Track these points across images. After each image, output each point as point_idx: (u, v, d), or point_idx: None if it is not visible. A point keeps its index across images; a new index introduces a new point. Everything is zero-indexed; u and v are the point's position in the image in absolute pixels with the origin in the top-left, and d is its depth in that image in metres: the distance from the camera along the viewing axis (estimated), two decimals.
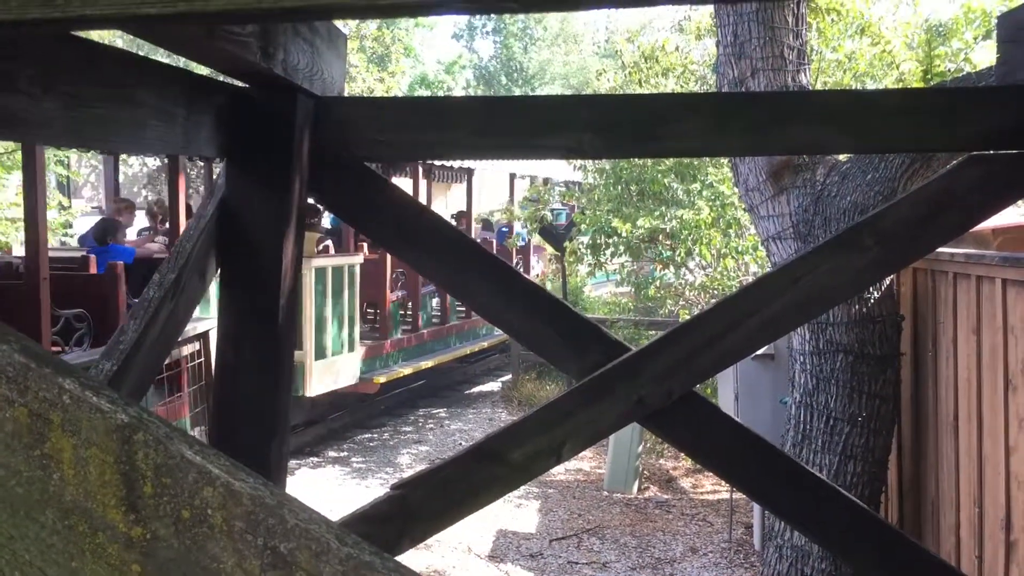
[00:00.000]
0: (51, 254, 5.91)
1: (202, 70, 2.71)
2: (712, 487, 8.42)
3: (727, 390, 6.62)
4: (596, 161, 11.35)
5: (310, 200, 2.84)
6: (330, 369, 9.55)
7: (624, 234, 10.28)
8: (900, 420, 5.28)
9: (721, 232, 9.29)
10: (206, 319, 6.82)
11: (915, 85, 8.25)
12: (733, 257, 9.30)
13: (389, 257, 10.91)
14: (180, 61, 2.88)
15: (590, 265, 11.39)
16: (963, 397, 4.47)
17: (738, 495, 7.25)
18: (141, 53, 2.32)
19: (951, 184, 2.65)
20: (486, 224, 17.25)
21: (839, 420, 4.91)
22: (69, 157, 16.42)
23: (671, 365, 2.70)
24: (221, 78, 2.48)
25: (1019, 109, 2.52)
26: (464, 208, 14.17)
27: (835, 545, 3.05)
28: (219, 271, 2.60)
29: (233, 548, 0.76)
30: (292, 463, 8.94)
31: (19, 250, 8.50)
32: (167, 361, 6.04)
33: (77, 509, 0.77)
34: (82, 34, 1.87)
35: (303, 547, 0.76)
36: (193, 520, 0.77)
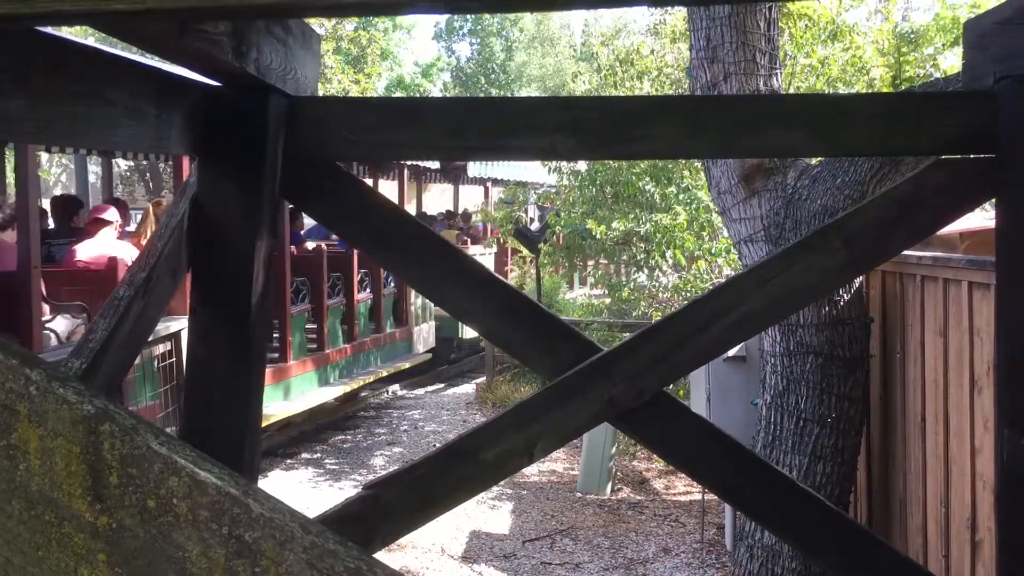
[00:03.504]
0: None
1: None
2: (684, 488, 8.46)
3: (699, 391, 6.66)
4: (571, 163, 11.40)
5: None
6: None
7: (599, 236, 10.31)
8: (869, 421, 5.34)
9: (695, 235, 9.35)
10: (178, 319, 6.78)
11: (885, 90, 8.35)
12: (706, 260, 9.36)
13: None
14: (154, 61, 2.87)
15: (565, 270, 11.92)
16: (930, 398, 4.53)
17: (710, 496, 7.29)
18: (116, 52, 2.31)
19: (918, 187, 2.68)
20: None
21: (809, 421, 4.96)
22: (40, 156, 16.24)
23: (642, 365, 2.72)
24: (194, 77, 2.47)
25: (985, 114, 2.56)
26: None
27: (804, 545, 3.08)
28: (190, 270, 2.59)
29: (198, 537, 0.77)
30: (264, 464, 8.90)
31: None
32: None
33: (43, 499, 0.77)
34: (52, 31, 1.86)
35: (268, 536, 0.76)
36: (159, 509, 0.78)
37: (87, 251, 6.90)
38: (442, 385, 14.04)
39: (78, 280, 6.74)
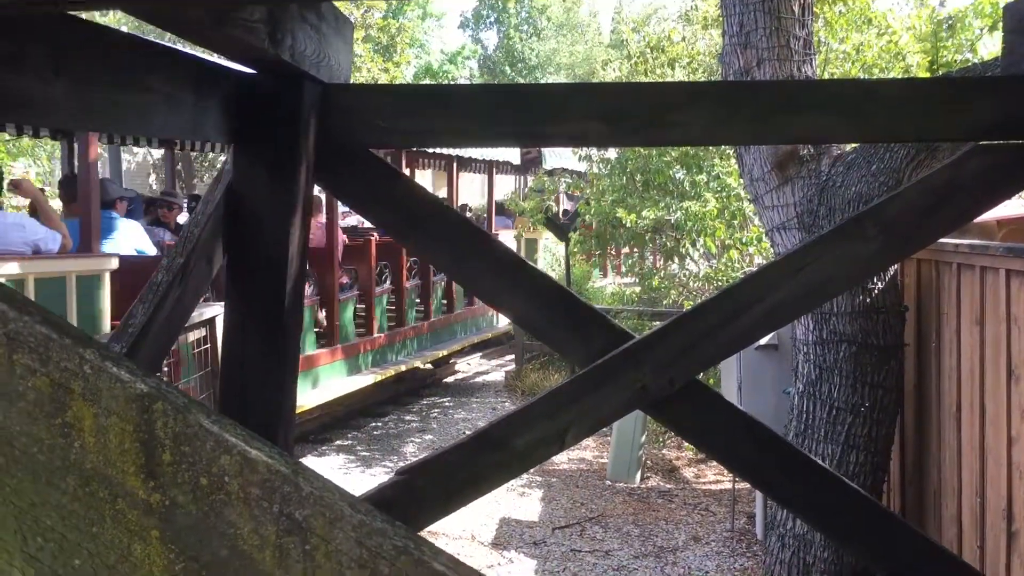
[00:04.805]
0: None
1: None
2: (715, 477, 8.44)
3: (730, 380, 6.63)
4: (602, 151, 11.36)
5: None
6: None
7: (629, 225, 10.27)
8: (903, 410, 5.29)
9: (725, 223, 9.29)
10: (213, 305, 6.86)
11: (921, 75, 8.24)
12: (737, 248, 9.30)
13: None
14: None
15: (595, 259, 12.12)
16: (966, 388, 4.48)
17: (740, 485, 7.27)
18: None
19: (955, 174, 2.65)
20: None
21: (842, 410, 4.92)
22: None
23: (674, 353, 2.72)
24: (228, 64, 2.49)
25: None
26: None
27: (837, 533, 3.06)
28: (225, 257, 2.62)
29: (249, 514, 0.79)
30: (297, 450, 8.98)
31: None
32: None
33: (97, 476, 0.79)
34: (87, 16, 1.88)
35: (317, 514, 0.78)
36: (211, 487, 0.80)
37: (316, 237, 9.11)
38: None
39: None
